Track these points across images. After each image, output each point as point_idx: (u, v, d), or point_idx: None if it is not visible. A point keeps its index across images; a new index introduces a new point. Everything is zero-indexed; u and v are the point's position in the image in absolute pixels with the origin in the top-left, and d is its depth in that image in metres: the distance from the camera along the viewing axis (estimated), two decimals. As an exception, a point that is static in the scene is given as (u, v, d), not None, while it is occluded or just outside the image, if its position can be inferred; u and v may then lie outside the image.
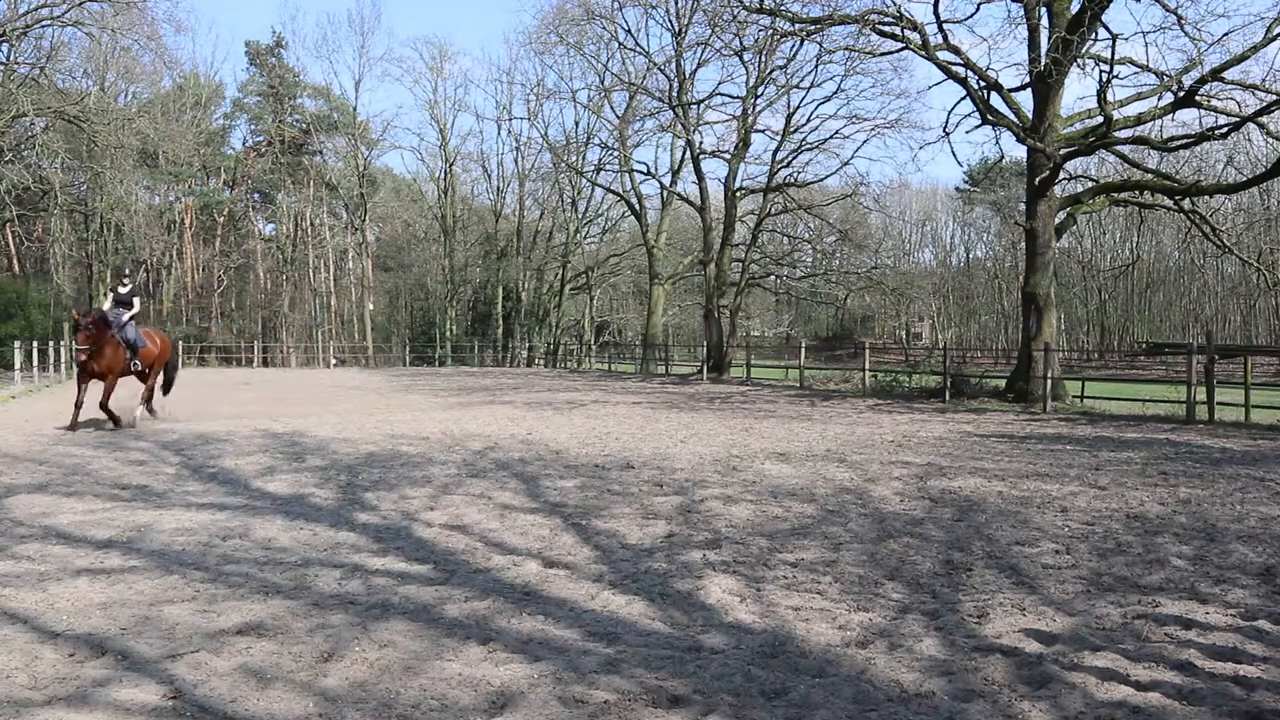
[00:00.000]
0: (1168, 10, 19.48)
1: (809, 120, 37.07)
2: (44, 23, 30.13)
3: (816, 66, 34.08)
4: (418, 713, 3.43)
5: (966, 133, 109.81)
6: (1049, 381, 18.87)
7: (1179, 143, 21.22)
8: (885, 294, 47.88)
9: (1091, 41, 20.19)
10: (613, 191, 46.56)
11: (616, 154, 43.13)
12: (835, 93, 35.71)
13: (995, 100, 21.06)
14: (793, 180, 36.43)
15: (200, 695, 3.54)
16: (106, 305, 14.13)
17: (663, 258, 43.33)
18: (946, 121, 22.30)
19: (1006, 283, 60.06)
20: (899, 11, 20.80)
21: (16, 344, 25.30)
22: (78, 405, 13.38)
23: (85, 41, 33.29)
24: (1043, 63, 19.73)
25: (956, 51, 20.81)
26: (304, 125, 57.93)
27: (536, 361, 51.49)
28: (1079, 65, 20.54)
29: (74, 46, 34.04)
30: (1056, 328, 23.78)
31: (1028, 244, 21.87)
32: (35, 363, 26.72)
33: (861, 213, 45.36)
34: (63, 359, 30.62)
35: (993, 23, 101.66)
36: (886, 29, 21.58)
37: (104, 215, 43.86)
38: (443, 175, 55.31)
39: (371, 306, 58.48)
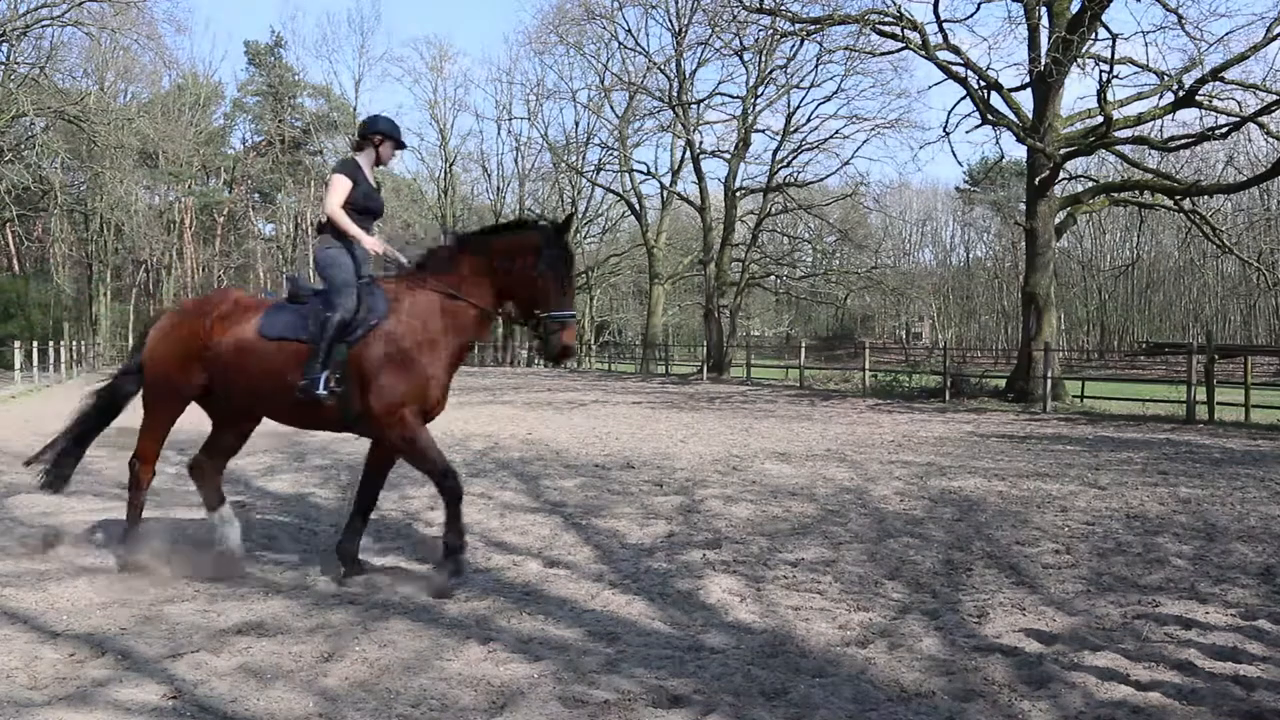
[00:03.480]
0: (1168, 10, 19.51)
1: (809, 120, 37.14)
2: (44, 23, 30.12)
3: (816, 66, 34.17)
4: (418, 713, 3.43)
5: (966, 133, 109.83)
6: (1049, 381, 18.87)
7: (1179, 143, 21.23)
8: (885, 294, 47.88)
9: (1091, 41, 20.21)
10: (613, 191, 46.56)
11: (616, 154, 43.14)
12: (835, 93, 35.79)
13: (995, 100, 21.08)
14: (793, 180, 36.45)
15: (200, 695, 3.54)
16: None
17: (663, 258, 43.31)
18: (946, 121, 22.38)
19: (1006, 283, 60.01)
20: (899, 11, 20.82)
21: (16, 344, 25.29)
22: None
23: (85, 41, 33.29)
24: (1043, 63, 19.74)
25: (956, 51, 20.83)
26: (304, 125, 57.91)
27: (537, 361, 51.48)
28: (1079, 65, 20.56)
29: (74, 46, 34.03)
30: (1056, 328, 23.79)
31: (1028, 244, 21.87)
32: (35, 363, 26.71)
33: (861, 213, 45.38)
34: (63, 359, 30.61)
35: (993, 23, 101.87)
36: (886, 29, 21.60)
37: (104, 215, 43.84)
38: (443, 175, 55.30)
39: (371, 306, 58.38)
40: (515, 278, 5.05)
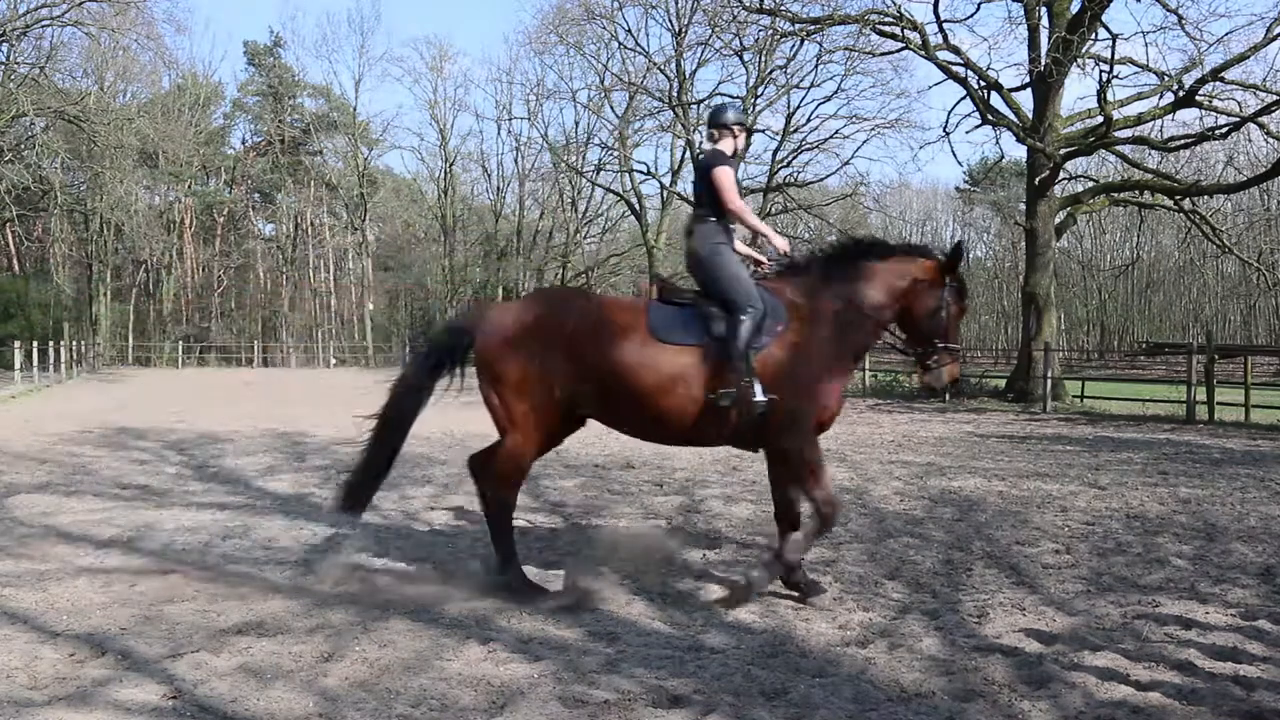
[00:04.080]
0: (1168, 10, 19.51)
1: (809, 120, 37.07)
2: (44, 23, 30.08)
3: (816, 66, 34.11)
4: (418, 713, 3.43)
5: (966, 133, 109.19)
6: (1049, 381, 18.87)
7: (1179, 143, 21.22)
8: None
9: (1091, 41, 20.20)
10: (613, 191, 46.50)
11: (616, 154, 43.11)
12: (835, 93, 35.69)
13: (995, 100, 21.07)
14: (793, 180, 36.45)
15: (200, 695, 3.54)
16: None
17: (663, 258, 43.26)
18: (946, 121, 22.38)
19: (1006, 283, 60.00)
20: (899, 11, 20.81)
21: (16, 344, 25.29)
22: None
23: (85, 41, 33.22)
24: (1043, 63, 19.74)
25: (956, 51, 20.82)
26: (304, 125, 57.89)
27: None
28: (1079, 65, 20.55)
29: (74, 46, 33.96)
30: (1056, 328, 23.79)
31: (1028, 244, 21.86)
32: (35, 363, 26.71)
33: (861, 213, 45.33)
34: (63, 359, 30.58)
35: (993, 23, 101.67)
36: (886, 29, 21.59)
37: (104, 215, 43.81)
38: (443, 175, 55.25)
39: (371, 306, 58.43)
40: (920, 301, 4.88)
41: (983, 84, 20.89)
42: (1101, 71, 19.74)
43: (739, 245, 5.01)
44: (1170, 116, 21.35)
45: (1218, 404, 16.31)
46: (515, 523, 6.83)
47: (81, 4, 29.64)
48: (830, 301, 4.81)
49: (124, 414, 16.39)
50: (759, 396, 4.55)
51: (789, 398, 4.64)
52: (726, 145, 5.09)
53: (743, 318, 4.60)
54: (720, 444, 4.99)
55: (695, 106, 37.64)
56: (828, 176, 39.09)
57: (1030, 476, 9.31)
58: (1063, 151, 20.44)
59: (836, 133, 36.09)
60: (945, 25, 20.59)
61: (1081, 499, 8.00)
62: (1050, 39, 19.69)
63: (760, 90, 35.42)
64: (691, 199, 5.14)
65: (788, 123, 36.02)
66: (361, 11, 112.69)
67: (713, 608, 4.75)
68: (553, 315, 4.78)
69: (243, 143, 60.09)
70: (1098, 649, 4.12)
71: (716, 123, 5.15)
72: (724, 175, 4.88)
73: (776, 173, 35.98)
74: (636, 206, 42.55)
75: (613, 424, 4.95)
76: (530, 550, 5.99)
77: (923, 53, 20.69)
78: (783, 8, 23.51)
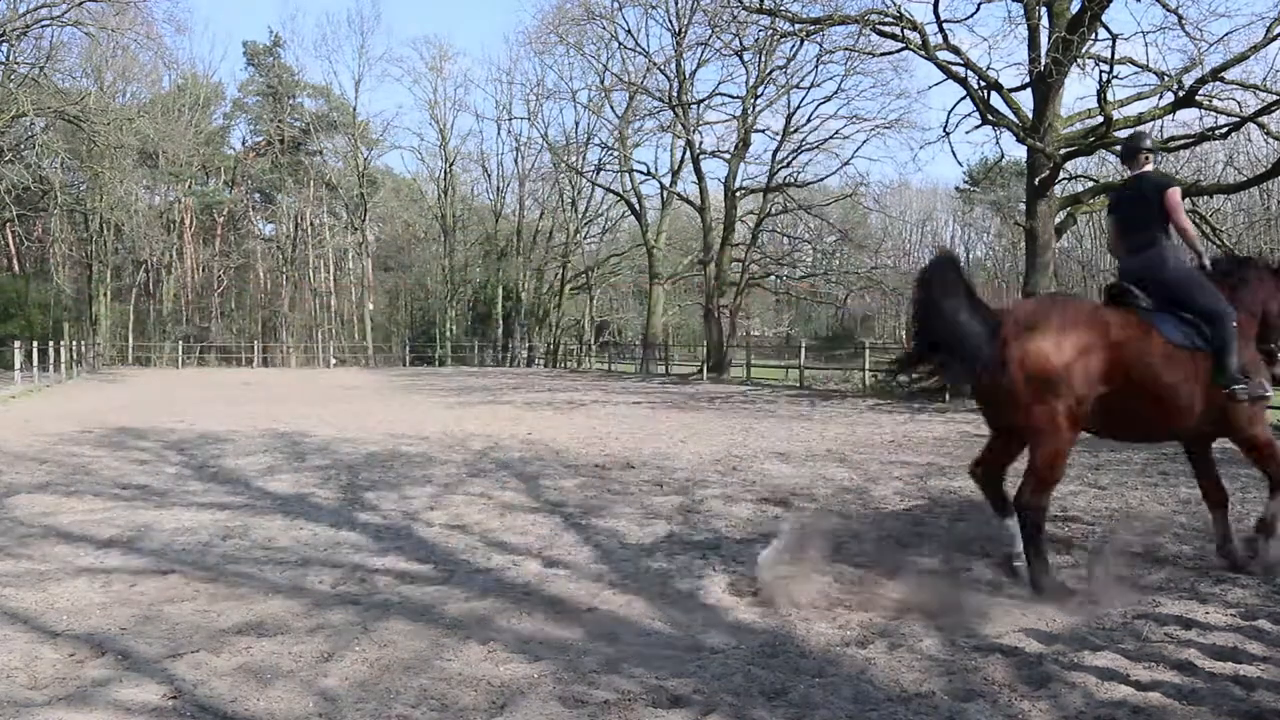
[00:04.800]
0: (1168, 10, 19.48)
1: (809, 120, 37.03)
2: (44, 23, 30.12)
3: (816, 66, 34.09)
4: (418, 713, 3.44)
5: (966, 133, 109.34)
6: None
7: (1179, 143, 21.19)
8: (885, 294, 47.81)
9: (1091, 41, 20.17)
10: (613, 191, 46.53)
11: (616, 154, 43.13)
12: (835, 93, 35.66)
13: (995, 100, 21.04)
14: (793, 180, 36.43)
15: (200, 695, 3.54)
16: None
17: (663, 258, 43.28)
18: (946, 121, 22.30)
19: (1006, 283, 60.00)
20: (899, 11, 20.79)
21: (16, 344, 25.30)
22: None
23: (85, 41, 33.29)
24: (1043, 63, 19.72)
25: (956, 51, 20.80)
26: (304, 125, 57.91)
27: (536, 361, 51.46)
28: (1079, 65, 20.52)
29: (74, 46, 34.04)
30: (1057, 327, 23.70)
31: (1028, 244, 21.84)
32: (35, 363, 26.71)
33: (861, 213, 45.36)
34: (63, 359, 30.59)
35: (993, 23, 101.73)
36: (886, 29, 21.57)
37: (104, 215, 43.85)
38: (443, 175, 55.31)
39: (371, 306, 58.45)
40: (1275, 303, 5.58)
41: (983, 84, 20.88)
42: (1101, 71, 19.73)
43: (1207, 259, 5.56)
44: (1170, 116, 21.32)
45: (1218, 404, 16.28)
46: (515, 524, 6.83)
47: (81, 4, 29.67)
48: (1251, 307, 5.47)
49: (124, 414, 16.40)
50: (1266, 389, 5.12)
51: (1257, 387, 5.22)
52: (1149, 167, 5.69)
53: (1231, 324, 5.15)
54: (1181, 439, 5.64)
55: (695, 106, 37.67)
56: (828, 176, 39.13)
57: (1030, 476, 9.30)
58: (1063, 151, 20.42)
59: (836, 133, 36.09)
60: (945, 25, 20.57)
61: (1081, 499, 8.00)
62: (1050, 39, 19.66)
63: (760, 90, 35.42)
64: (1124, 218, 5.65)
65: (788, 123, 36.02)
66: (361, 11, 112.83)
67: (713, 608, 4.75)
68: (1084, 328, 5.05)
69: (243, 143, 60.19)
70: (1098, 649, 4.12)
71: (1142, 147, 5.76)
72: (1178, 197, 5.40)
73: (776, 173, 35.98)
74: (636, 206, 42.57)
75: (1107, 425, 5.39)
76: (530, 551, 5.99)
77: (923, 53, 20.68)
78: (783, 8, 23.50)
